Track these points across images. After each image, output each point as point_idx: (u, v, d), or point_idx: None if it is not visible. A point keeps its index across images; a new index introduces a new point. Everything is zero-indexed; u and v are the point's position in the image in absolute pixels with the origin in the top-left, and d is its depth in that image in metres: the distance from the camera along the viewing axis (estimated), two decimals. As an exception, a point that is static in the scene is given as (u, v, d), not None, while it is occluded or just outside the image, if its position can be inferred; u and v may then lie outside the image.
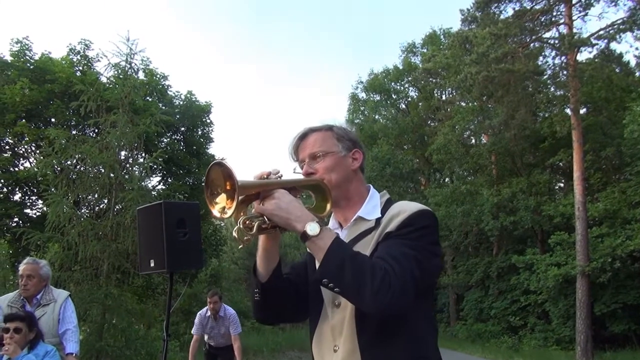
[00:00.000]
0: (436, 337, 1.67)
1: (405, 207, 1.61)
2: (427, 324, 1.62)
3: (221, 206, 1.46)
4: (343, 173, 1.70)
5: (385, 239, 1.57)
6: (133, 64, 10.74)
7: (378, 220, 1.64)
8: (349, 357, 1.56)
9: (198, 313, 7.24)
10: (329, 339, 1.64)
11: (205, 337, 7.23)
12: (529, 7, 17.06)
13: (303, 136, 1.76)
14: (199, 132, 19.04)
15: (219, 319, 6.96)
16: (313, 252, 1.51)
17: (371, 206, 1.70)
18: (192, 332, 7.40)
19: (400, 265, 1.44)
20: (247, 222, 1.51)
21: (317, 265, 1.48)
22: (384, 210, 1.67)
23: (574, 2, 16.27)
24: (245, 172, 1.47)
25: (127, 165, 10.82)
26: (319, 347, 1.70)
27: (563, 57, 16.75)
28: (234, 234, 1.50)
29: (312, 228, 1.46)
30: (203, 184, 1.49)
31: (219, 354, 7.29)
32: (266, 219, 1.51)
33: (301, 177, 1.72)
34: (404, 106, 31.54)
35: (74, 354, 3.92)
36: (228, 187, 1.43)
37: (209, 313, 6.98)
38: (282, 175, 1.57)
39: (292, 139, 1.78)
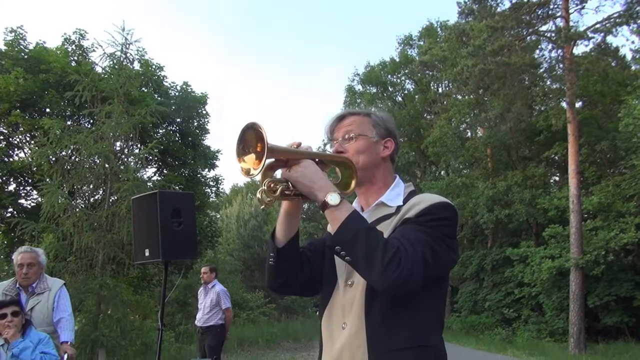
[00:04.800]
0: (441, 330, 1.69)
1: (427, 198, 1.65)
2: (433, 315, 1.64)
3: (248, 167, 1.50)
4: (371, 158, 1.75)
5: (402, 224, 1.61)
6: (128, 54, 10.71)
7: (399, 208, 1.68)
8: (355, 335, 1.60)
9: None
10: (339, 317, 1.67)
11: (199, 313, 7.70)
12: (525, 0, 17.03)
13: (340, 118, 1.82)
14: (195, 123, 18.93)
15: (208, 289, 7.61)
16: (330, 222, 1.55)
17: (394, 194, 1.74)
18: None
19: (413, 247, 1.47)
20: (272, 185, 1.55)
21: (333, 233, 1.52)
22: (406, 200, 1.70)
23: (570, -5, 16.25)
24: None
25: (122, 156, 10.80)
26: (328, 324, 1.72)
27: (559, 51, 16.76)
28: (258, 194, 1.55)
29: (333, 198, 1.51)
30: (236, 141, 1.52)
31: (205, 338, 7.57)
32: (290, 185, 1.56)
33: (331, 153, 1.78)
34: (400, 99, 31.52)
35: (68, 342, 3.92)
36: (258, 149, 1.46)
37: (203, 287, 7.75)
38: (312, 149, 1.63)
39: (329, 119, 1.84)
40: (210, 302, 7.49)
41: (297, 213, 1.72)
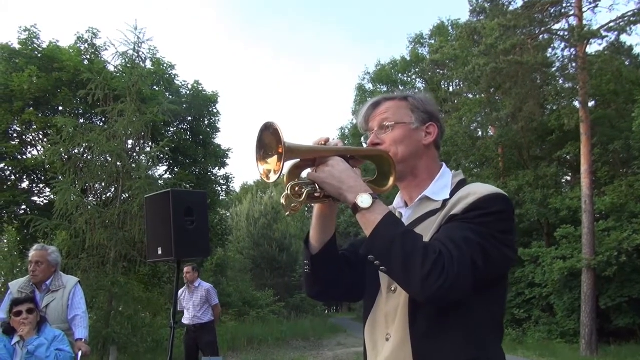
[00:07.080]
0: (500, 338, 1.50)
1: (477, 189, 1.44)
2: (489, 321, 1.45)
3: (268, 169, 1.35)
4: (412, 147, 1.55)
5: (448, 222, 1.41)
6: (140, 53, 10.81)
7: (445, 202, 1.48)
8: (400, 348, 1.42)
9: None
10: (383, 326, 1.49)
11: (185, 314, 7.63)
12: (538, -2, 16.88)
13: (375, 104, 1.62)
14: (206, 122, 19.07)
15: (192, 289, 7.53)
16: (363, 226, 1.37)
17: (440, 186, 1.54)
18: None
19: (459, 250, 1.28)
20: (297, 188, 1.39)
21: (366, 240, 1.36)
22: (454, 192, 1.49)
23: (584, -7, 16.08)
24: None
25: (134, 154, 10.88)
26: (371, 334, 1.55)
27: (572, 49, 16.59)
28: (282, 200, 1.39)
29: (364, 200, 1.34)
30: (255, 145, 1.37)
31: (198, 337, 7.52)
32: (317, 187, 1.40)
33: (364, 146, 1.59)
34: (410, 97, 31.44)
35: (83, 340, 3.96)
36: (279, 150, 1.31)
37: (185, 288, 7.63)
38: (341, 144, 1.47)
39: (363, 107, 1.65)
40: (200, 299, 7.43)
41: (333, 215, 1.54)
